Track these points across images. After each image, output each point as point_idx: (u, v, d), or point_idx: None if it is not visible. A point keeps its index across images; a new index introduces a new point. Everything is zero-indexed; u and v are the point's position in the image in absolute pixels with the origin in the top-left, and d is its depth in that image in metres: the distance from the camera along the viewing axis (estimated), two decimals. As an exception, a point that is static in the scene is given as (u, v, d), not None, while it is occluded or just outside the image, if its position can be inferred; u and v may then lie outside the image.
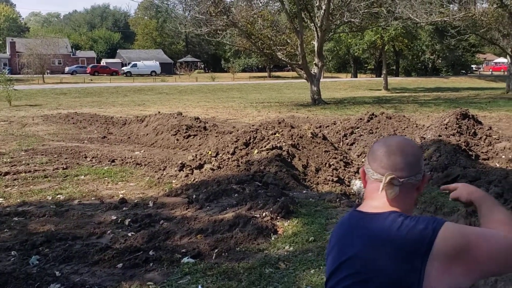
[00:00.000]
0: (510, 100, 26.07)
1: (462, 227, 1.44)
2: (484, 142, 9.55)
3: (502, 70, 61.64)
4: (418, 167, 1.51)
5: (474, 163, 8.25)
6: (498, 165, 8.32)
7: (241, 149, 7.73)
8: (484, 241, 1.39)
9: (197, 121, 12.44)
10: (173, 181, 7.35)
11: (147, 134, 12.52)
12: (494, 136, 9.83)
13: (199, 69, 76.50)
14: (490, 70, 70.06)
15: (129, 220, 5.44)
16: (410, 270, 1.36)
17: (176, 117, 12.90)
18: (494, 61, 75.13)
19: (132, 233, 5.08)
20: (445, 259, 1.36)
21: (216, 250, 4.52)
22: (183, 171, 7.46)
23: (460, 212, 5.09)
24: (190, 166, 7.54)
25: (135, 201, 6.50)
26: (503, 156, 8.81)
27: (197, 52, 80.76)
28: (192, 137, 11.05)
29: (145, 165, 9.14)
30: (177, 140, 11.15)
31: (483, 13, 29.41)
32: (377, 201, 1.52)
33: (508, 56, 32.63)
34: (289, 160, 7.32)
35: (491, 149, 9.21)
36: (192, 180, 7.09)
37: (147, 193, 7.08)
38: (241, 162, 7.30)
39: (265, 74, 65.30)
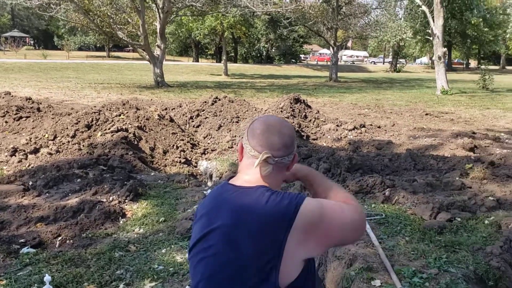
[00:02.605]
0: (332, 87, 29.21)
1: (320, 202, 1.59)
2: (313, 124, 10.63)
3: (325, 60, 68.18)
4: (292, 148, 1.63)
5: (306, 143, 9.17)
6: (325, 144, 9.38)
7: (82, 132, 7.31)
8: (336, 214, 1.57)
9: (29, 102, 11.27)
10: (4, 167, 6.63)
11: (-33, 117, 10.92)
12: (321, 119, 11.00)
13: (28, 46, 68.79)
14: (316, 60, 76.89)
15: (-49, 212, 4.78)
16: (273, 241, 1.47)
17: (3, 97, 11.51)
18: (319, 52, 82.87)
19: (-43, 226, 4.48)
20: (302, 232, 1.49)
21: (59, 238, 4.29)
22: (16, 156, 6.77)
23: (295, 187, 5.62)
24: (24, 150, 6.87)
25: (-43, 191, 5.70)
26: (329, 137, 9.95)
27: (25, 26, 72.43)
28: (24, 119, 9.98)
29: (-34, 151, 8.01)
30: (6, 122, 9.96)
31: (311, 7, 32.26)
32: (249, 176, 1.61)
33: (331, 48, 36.44)
34: (135, 143, 7.18)
35: (319, 130, 10.30)
36: (27, 165, 6.49)
37: (-29, 182, 6.25)
38: (83, 146, 6.92)
39: (104, 53, 61.80)
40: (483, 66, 32.87)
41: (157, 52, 25.81)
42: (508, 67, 67.12)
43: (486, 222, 4.38)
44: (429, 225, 4.27)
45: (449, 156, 7.80)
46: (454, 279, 3.23)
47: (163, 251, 4.04)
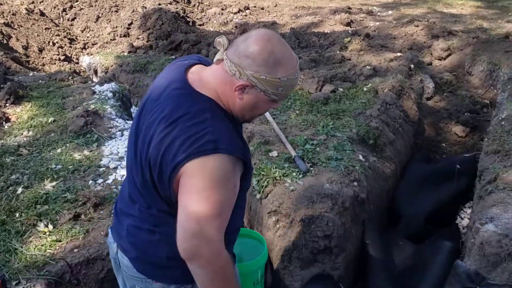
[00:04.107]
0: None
1: (204, 188, 1.36)
2: (198, 9, 10.27)
3: None
4: (244, 63, 1.41)
5: (194, 29, 8.93)
6: (212, 29, 9.22)
7: None
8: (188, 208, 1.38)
9: None
10: None
11: None
12: (205, 3, 10.63)
13: None
14: None
15: None
16: (171, 162, 1.38)
17: None
18: None
19: None
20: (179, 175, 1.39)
21: None
22: None
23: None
24: None
25: None
26: (215, 21, 9.76)
27: None
28: None
29: None
30: None
31: None
32: (211, 71, 1.51)
33: None
34: (5, 42, 6.45)
35: (205, 16, 10.02)
36: None
37: None
38: None
39: None
40: None
41: None
42: None
43: (365, 89, 4.85)
44: (316, 97, 4.62)
45: (329, 32, 8.19)
46: (340, 141, 3.63)
47: (59, 151, 3.93)
